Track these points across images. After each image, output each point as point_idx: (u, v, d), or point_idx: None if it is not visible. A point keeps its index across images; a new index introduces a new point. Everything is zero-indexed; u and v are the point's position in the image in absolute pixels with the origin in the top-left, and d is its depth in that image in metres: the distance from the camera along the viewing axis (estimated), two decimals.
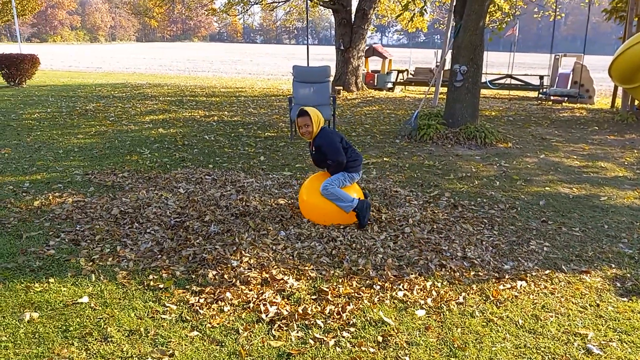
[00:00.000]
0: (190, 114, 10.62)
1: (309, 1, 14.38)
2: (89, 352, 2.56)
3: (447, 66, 15.49)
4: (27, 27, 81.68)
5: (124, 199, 4.83)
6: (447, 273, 3.50)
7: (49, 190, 5.12)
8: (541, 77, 15.55)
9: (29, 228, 4.13)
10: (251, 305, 3.01)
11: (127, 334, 2.72)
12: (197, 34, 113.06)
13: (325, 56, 37.42)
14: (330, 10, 15.63)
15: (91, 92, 14.56)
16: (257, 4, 17.47)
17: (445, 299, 3.15)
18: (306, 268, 3.50)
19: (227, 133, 8.60)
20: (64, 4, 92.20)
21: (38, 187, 5.24)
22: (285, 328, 2.79)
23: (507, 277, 3.47)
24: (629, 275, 3.56)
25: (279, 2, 18.33)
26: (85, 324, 2.80)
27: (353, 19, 15.28)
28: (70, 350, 2.56)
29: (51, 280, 3.27)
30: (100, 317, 2.87)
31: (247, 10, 17.95)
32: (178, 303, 3.05)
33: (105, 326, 2.78)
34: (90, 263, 3.53)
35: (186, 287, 3.24)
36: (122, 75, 22.89)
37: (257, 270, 3.45)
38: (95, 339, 2.66)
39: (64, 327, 2.76)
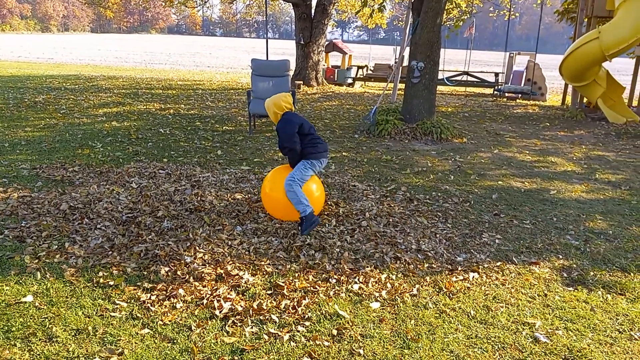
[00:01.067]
0: (145, 107, 10.35)
1: None
2: (32, 352, 2.45)
3: (406, 62, 15.73)
4: None
5: (73, 194, 4.66)
6: (402, 265, 3.54)
7: None
8: (496, 75, 15.95)
9: None
10: (205, 301, 2.96)
11: (73, 333, 2.62)
12: (154, 26, 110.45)
13: (285, 50, 37.23)
14: (291, 4, 15.54)
15: (41, 84, 13.98)
16: None
17: (399, 291, 3.18)
18: (262, 263, 3.47)
19: (183, 126, 8.43)
20: None
21: None
22: (239, 324, 2.76)
23: (459, 269, 3.54)
24: (575, 265, 3.70)
25: None
26: (29, 323, 2.68)
27: (313, 14, 15.25)
28: (12, 352, 2.45)
29: None
30: (46, 316, 2.75)
31: (205, 2, 17.62)
32: (129, 300, 2.96)
33: (50, 326, 2.67)
34: (36, 260, 3.38)
35: (137, 284, 3.15)
36: (75, 66, 22.08)
37: (212, 266, 3.40)
38: (40, 339, 2.55)
39: (6, 328, 2.63)
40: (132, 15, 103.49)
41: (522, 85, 14.94)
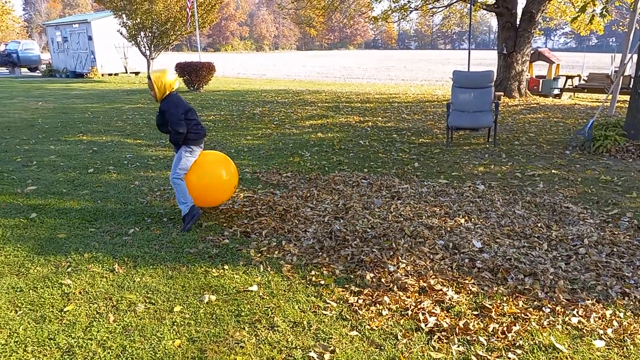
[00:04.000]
0: (346, 120, 10.92)
1: (471, 5, 13.88)
2: (258, 338, 2.75)
3: (628, 72, 13.82)
4: (204, 38, 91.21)
5: (287, 197, 5.13)
6: (632, 303, 3.10)
7: None
8: None
9: (207, 218, 4.59)
10: (409, 312, 2.98)
11: (291, 325, 2.87)
12: (353, 41, 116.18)
13: (483, 61, 35.80)
14: (493, 13, 14.91)
15: (257, 98, 15.77)
16: (416, 10, 17.37)
17: (629, 332, 2.79)
18: (466, 281, 3.37)
19: (381, 139, 8.67)
20: (235, 16, 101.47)
21: None
22: (445, 340, 2.71)
23: None
24: None
25: (440, 8, 18.00)
26: (255, 310, 3.02)
27: (518, 22, 14.39)
28: (242, 334, 2.78)
29: (226, 267, 3.59)
30: (268, 306, 3.07)
31: (405, 16, 17.92)
32: (338, 301, 3.14)
33: (272, 315, 2.97)
34: (259, 254, 3.80)
35: (345, 286, 3.32)
36: (284, 82, 24.42)
37: (415, 277, 3.41)
38: (264, 327, 2.85)
39: (237, 312, 3.01)
40: (333, 32, 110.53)
41: None
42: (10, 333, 2.78)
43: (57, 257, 3.75)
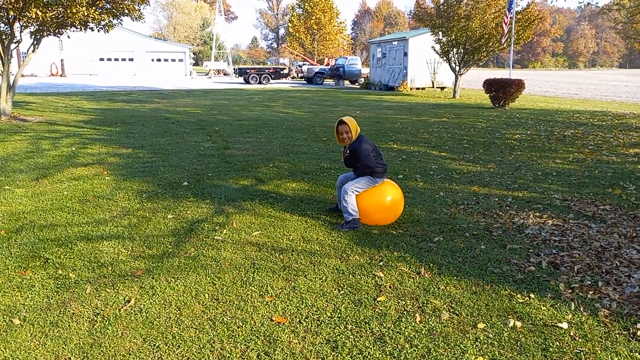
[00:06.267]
0: None
1: None
2: None
3: None
4: (513, 54, 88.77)
5: (606, 233, 4.55)
6: None
7: (530, 209, 5.36)
8: None
9: (512, 240, 4.44)
10: None
11: None
12: None
13: None
14: None
15: (568, 118, 14.48)
16: None
17: None
18: None
19: None
20: (550, 31, 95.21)
21: (519, 204, 5.57)
22: None
23: None
24: None
25: None
26: (564, 350, 2.78)
27: None
28: None
29: (532, 295, 3.40)
30: (581, 349, 2.78)
31: None
32: None
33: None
34: (569, 290, 3.48)
35: None
36: (600, 102, 21.78)
37: None
38: None
39: (544, 346, 2.82)
40: None
41: None
42: (334, 309, 3.23)
43: (372, 250, 4.19)
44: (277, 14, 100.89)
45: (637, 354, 2.76)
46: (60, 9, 10.64)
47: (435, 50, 23.15)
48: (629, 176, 7.02)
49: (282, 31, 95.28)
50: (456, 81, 23.07)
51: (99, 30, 12.03)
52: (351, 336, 2.92)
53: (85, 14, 10.71)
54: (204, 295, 3.37)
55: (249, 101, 19.64)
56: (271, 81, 35.76)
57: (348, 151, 4.87)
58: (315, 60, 48.92)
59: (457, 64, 22.53)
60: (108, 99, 18.97)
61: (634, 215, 5.18)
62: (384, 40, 33.06)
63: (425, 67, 28.03)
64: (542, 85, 37.14)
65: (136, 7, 11.81)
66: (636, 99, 24.24)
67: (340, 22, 57.61)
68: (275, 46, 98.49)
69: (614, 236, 4.50)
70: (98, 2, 11.01)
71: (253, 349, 2.78)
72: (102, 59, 45.38)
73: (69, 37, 12.51)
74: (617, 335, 2.94)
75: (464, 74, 23.08)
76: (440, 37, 22.25)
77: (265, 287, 3.51)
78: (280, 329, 2.98)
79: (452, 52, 22.37)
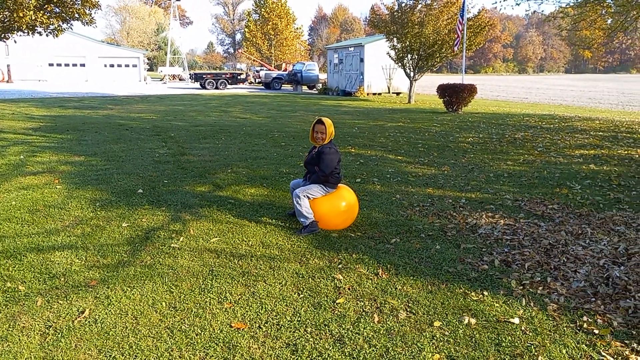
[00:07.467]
0: (626, 152, 9.56)
1: None
2: None
3: None
4: (465, 60, 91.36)
5: (554, 231, 4.76)
6: None
7: (482, 210, 5.54)
8: None
9: (466, 240, 4.57)
10: None
11: None
12: (637, 65, 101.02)
13: None
14: None
15: (519, 122, 15.01)
16: None
17: None
18: None
19: None
20: (500, 38, 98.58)
21: (472, 205, 5.74)
22: None
23: None
24: None
25: None
26: (516, 344, 2.88)
27: None
28: None
29: (485, 293, 3.52)
30: (531, 342, 2.90)
31: None
32: (615, 356, 2.77)
33: (535, 353, 2.79)
34: (521, 287, 3.62)
35: (625, 341, 2.91)
36: (548, 106, 22.69)
37: None
38: None
39: (497, 341, 2.92)
40: (613, 54, 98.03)
41: None
42: (294, 313, 3.24)
43: (331, 253, 4.23)
44: (234, 19, 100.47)
45: (584, 345, 2.89)
46: (6, 12, 10.23)
47: (390, 56, 23.56)
48: (575, 176, 7.34)
49: (238, 36, 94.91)
50: (411, 87, 23.55)
51: (47, 35, 11.64)
52: (311, 339, 2.94)
53: (33, 18, 10.35)
54: (161, 304, 3.32)
55: (205, 107, 19.42)
56: (228, 86, 35.52)
57: (315, 151, 4.91)
58: (273, 65, 48.89)
59: (412, 69, 23.00)
60: (58, 106, 18.33)
61: (580, 214, 5.43)
62: (340, 46, 33.40)
63: (381, 73, 28.47)
64: (493, 89, 38.36)
65: (87, 12, 11.51)
66: (581, 103, 25.38)
67: (297, 28, 57.90)
68: (232, 51, 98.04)
69: (561, 234, 4.71)
70: (46, 6, 10.66)
71: (212, 355, 2.76)
72: (51, 64, 43.89)
73: (15, 41, 12.04)
74: (565, 328, 3.07)
75: (418, 79, 23.58)
76: (395, 44, 22.68)
77: (224, 293, 3.48)
78: (239, 334, 2.97)
79: (406, 58, 22.83)
